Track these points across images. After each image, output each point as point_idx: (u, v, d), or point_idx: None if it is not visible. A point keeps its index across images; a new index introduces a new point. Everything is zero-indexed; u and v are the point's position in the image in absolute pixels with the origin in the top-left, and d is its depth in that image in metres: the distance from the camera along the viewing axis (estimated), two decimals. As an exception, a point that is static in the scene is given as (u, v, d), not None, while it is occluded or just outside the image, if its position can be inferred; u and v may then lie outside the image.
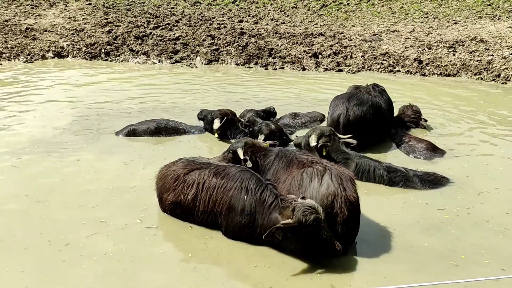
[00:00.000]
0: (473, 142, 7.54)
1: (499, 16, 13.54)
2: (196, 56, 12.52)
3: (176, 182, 5.10)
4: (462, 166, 6.62)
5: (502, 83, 10.52)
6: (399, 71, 11.47)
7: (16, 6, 15.04)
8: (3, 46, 12.48)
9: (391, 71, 11.51)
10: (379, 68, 11.61)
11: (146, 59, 12.43)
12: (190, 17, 14.66)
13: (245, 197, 4.68)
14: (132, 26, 13.78)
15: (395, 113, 8.15)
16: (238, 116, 8.19)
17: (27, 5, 15.17)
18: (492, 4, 14.22)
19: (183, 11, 15.16)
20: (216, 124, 7.66)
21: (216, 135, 7.74)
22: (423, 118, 8.12)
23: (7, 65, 11.75)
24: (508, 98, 9.64)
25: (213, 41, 13.14)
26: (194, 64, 12.22)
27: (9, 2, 15.29)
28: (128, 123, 7.94)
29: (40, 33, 13.35)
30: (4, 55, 12.17)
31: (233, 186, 4.80)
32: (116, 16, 14.53)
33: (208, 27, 13.95)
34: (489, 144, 7.47)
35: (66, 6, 15.36)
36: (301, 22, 14.42)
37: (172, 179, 5.14)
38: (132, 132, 7.72)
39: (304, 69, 11.93)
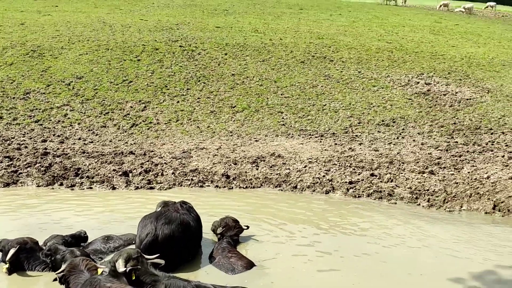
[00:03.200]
0: (279, 252, 7.99)
1: (292, 134, 15.29)
2: (-9, 180, 11.32)
3: None
4: (269, 280, 6.90)
5: (299, 193, 11.61)
6: (208, 186, 11.91)
7: None
8: None
9: (201, 186, 11.88)
10: (189, 184, 11.91)
11: None
12: (-16, 138, 13.43)
13: None
14: None
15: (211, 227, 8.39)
16: (42, 243, 7.54)
17: None
18: (286, 124, 16.06)
19: (-23, 131, 13.86)
20: (9, 255, 6.91)
21: (4, 269, 6.91)
22: (246, 226, 8.53)
23: None
24: (308, 205, 10.61)
25: (12, 162, 12.12)
26: (-13, 189, 11.00)
27: None
28: None
29: None
30: None
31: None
32: None
33: (6, 148, 12.91)
34: (291, 254, 7.98)
35: None
36: (110, 141, 14.27)
37: None
38: None
39: (114, 188, 11.60)
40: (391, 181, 12.11)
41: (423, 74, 21.27)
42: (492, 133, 15.43)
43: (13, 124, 14.77)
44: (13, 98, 16.41)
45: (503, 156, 13.46)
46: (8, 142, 13.36)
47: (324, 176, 12.22)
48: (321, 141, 14.67)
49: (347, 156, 13.46)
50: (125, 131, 15.10)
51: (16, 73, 18.27)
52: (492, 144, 14.49)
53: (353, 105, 17.68)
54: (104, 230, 8.67)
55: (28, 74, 18.27)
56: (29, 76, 18.07)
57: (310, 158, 13.17)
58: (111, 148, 13.67)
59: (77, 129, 14.95)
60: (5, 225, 8.72)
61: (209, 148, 13.94)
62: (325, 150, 13.92)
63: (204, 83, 18.79)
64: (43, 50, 20.71)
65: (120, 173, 12.17)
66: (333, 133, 15.35)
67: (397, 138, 15.12)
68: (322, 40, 25.60)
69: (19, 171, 11.80)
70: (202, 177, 12.21)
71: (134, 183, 11.85)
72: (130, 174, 12.21)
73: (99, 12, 30.72)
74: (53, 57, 20.14)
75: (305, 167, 12.65)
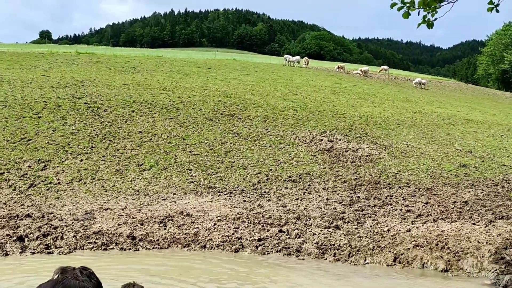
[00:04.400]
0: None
1: (201, 191, 15.17)
2: None
3: None
4: None
5: (209, 252, 11.39)
6: (113, 248, 11.33)
7: None
8: None
9: (105, 249, 11.28)
10: (92, 247, 11.25)
11: None
12: None
13: None
14: None
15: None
16: None
17: None
18: (195, 181, 15.93)
19: None
20: None
21: None
22: None
23: None
24: (216, 266, 10.39)
25: None
26: None
27: None
28: None
29: None
30: None
31: None
32: None
33: None
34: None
35: None
36: (5, 203, 13.25)
37: None
38: None
39: (7, 255, 10.66)
40: (299, 237, 12.30)
41: (326, 132, 22.36)
42: (390, 188, 16.38)
43: None
44: None
45: (401, 210, 14.28)
46: None
47: (233, 234, 12.15)
48: (230, 198, 14.68)
49: (256, 213, 13.54)
50: (22, 192, 14.12)
51: None
52: (391, 198, 15.36)
53: (261, 161, 18.03)
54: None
55: None
56: None
57: (219, 216, 13.08)
58: (5, 211, 12.66)
59: (-34, 191, 13.74)
60: None
61: (114, 208, 13.39)
62: (234, 207, 13.92)
63: (110, 140, 18.27)
64: None
65: (15, 238, 11.24)
66: (242, 190, 15.45)
67: (304, 193, 15.54)
68: (230, 99, 26.20)
69: None
70: (106, 239, 11.61)
71: (30, 248, 10.97)
72: (26, 239, 11.32)
73: (-3, 66, 29.24)
74: None
75: (214, 225, 12.52)
